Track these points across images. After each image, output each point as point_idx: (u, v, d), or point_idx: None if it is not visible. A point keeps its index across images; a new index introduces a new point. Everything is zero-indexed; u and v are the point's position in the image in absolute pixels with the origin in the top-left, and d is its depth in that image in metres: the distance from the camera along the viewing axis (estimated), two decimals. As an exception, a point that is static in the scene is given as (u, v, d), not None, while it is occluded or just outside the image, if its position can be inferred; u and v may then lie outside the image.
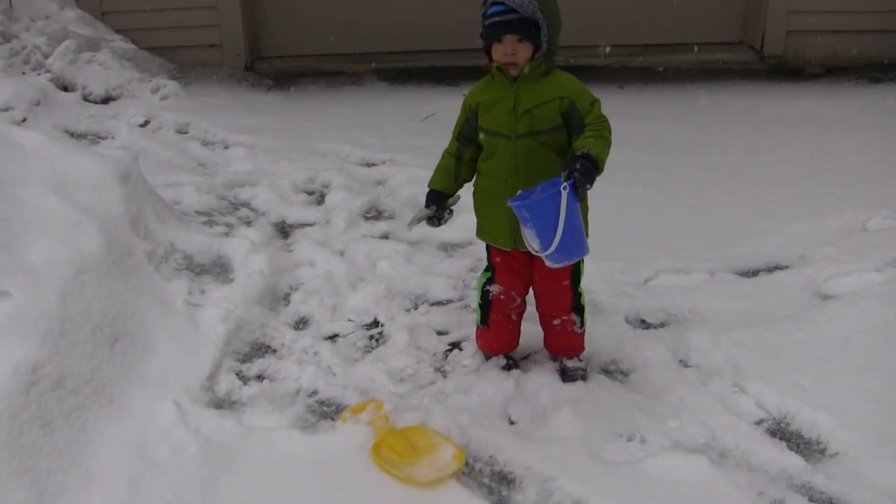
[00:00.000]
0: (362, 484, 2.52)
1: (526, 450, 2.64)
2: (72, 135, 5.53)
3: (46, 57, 6.38)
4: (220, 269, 3.70)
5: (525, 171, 2.70)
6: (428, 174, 2.96)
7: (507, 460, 2.62)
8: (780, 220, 4.19)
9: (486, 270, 3.00)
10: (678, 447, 2.63)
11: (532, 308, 3.05)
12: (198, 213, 4.38)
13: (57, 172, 3.40)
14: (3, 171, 3.24)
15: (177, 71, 6.91)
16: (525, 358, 3.16)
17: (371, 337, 3.39)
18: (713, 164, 5.05)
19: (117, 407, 2.71)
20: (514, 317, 3.03)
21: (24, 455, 2.34)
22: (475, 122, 2.79)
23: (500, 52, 2.66)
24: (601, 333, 3.22)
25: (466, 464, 2.59)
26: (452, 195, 2.93)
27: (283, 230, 4.32)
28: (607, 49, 6.81)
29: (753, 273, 3.76)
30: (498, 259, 2.93)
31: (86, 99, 6.22)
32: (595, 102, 2.66)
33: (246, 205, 4.60)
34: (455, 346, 3.27)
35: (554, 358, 3.09)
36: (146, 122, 5.89)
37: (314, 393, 3.00)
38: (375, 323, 3.47)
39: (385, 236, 4.20)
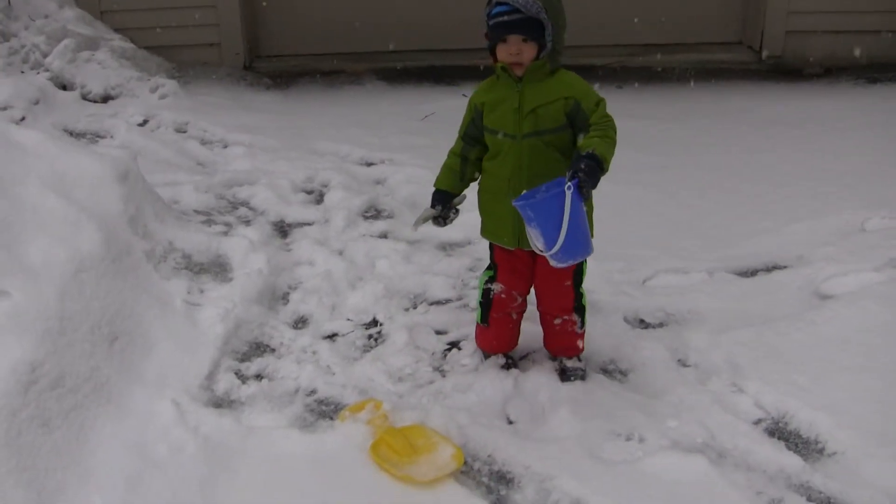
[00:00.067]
0: (361, 483, 2.52)
1: (524, 449, 2.64)
2: (71, 134, 5.53)
3: (45, 56, 6.38)
4: (218, 269, 3.70)
5: (529, 171, 2.70)
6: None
7: (505, 459, 2.62)
8: (780, 220, 4.19)
9: (488, 269, 3.01)
10: (677, 446, 2.63)
11: (531, 307, 3.05)
12: (196, 212, 4.38)
13: (56, 171, 3.39)
14: (3, 169, 3.24)
15: (175, 70, 6.91)
16: (524, 357, 3.16)
17: (370, 336, 3.39)
18: (713, 164, 5.05)
19: (116, 406, 2.71)
20: (514, 316, 3.03)
21: (22, 454, 2.34)
22: (480, 122, 2.79)
23: (504, 52, 2.66)
24: (600, 333, 3.22)
25: (465, 463, 2.59)
26: (458, 195, 2.93)
27: (282, 229, 4.32)
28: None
29: (752, 273, 3.76)
30: (500, 258, 2.94)
31: (85, 98, 6.22)
32: (600, 102, 2.66)
33: (245, 204, 4.60)
34: (454, 345, 3.27)
35: (553, 357, 3.09)
36: (145, 121, 5.89)
37: (313, 392, 3.00)
38: (374, 322, 3.47)
39: (384, 235, 4.20)
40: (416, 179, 4.73)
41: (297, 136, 5.66)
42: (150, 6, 6.89)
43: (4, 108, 5.47)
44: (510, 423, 2.82)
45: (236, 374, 3.09)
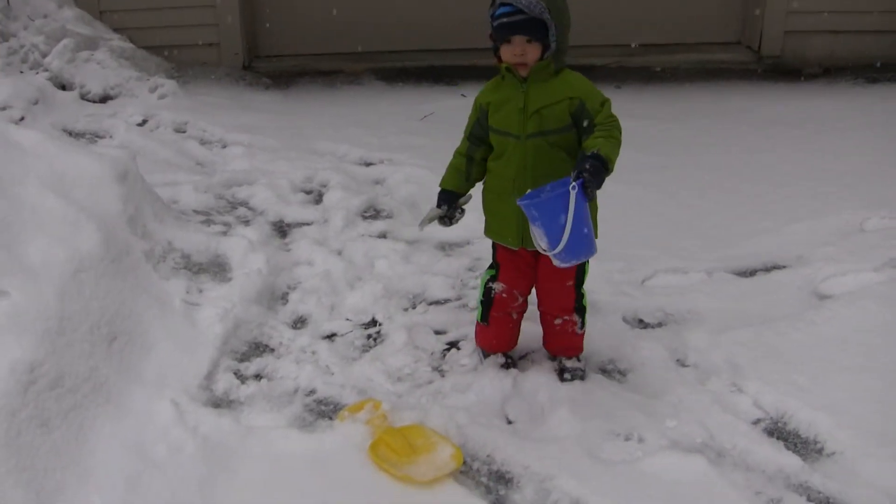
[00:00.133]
0: (360, 483, 2.52)
1: (524, 449, 2.64)
2: (70, 134, 5.53)
3: (44, 56, 6.37)
4: (217, 269, 3.70)
5: (533, 171, 2.70)
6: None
7: (504, 459, 2.62)
8: (780, 220, 4.19)
9: (490, 267, 3.01)
10: (676, 446, 2.63)
11: (531, 307, 3.05)
12: (196, 212, 4.38)
13: (55, 171, 3.39)
14: (2, 169, 3.23)
15: (175, 70, 6.90)
16: (523, 357, 3.16)
17: (369, 336, 3.39)
18: (713, 164, 5.05)
19: (115, 406, 2.71)
20: (514, 315, 3.03)
21: (21, 454, 2.34)
22: (486, 122, 2.80)
23: (508, 53, 2.66)
24: (599, 333, 3.22)
25: (464, 463, 2.59)
26: (464, 195, 2.93)
27: (281, 229, 4.32)
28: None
29: (752, 273, 3.76)
30: (503, 257, 2.94)
31: (84, 98, 6.22)
32: (605, 102, 2.66)
33: (244, 204, 4.60)
34: (453, 345, 3.27)
35: (552, 357, 3.09)
36: (144, 121, 5.89)
37: (312, 392, 3.00)
38: (373, 322, 3.47)
39: (383, 235, 4.20)
40: (415, 179, 4.73)
41: (296, 136, 5.66)
42: (150, 6, 6.88)
43: (3, 108, 5.47)
44: (509, 422, 2.82)
45: (235, 374, 3.09)
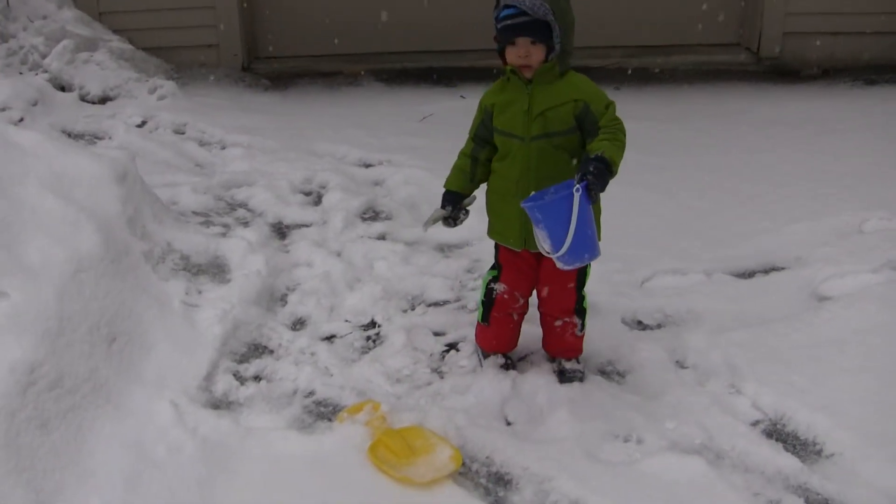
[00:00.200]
0: (359, 484, 2.52)
1: (523, 450, 2.64)
2: (69, 135, 5.53)
3: (44, 57, 6.38)
4: (217, 270, 3.70)
5: (537, 173, 2.71)
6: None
7: (503, 461, 2.62)
8: (779, 221, 4.19)
9: (492, 268, 3.01)
10: (675, 448, 2.64)
11: (532, 308, 3.05)
12: (195, 213, 4.38)
13: (54, 172, 3.39)
14: (1, 170, 3.24)
15: (174, 71, 6.91)
16: (522, 359, 3.16)
17: (368, 338, 3.39)
18: (712, 165, 5.05)
19: (114, 406, 2.71)
20: (515, 316, 3.03)
21: (21, 454, 2.34)
22: (490, 123, 2.80)
23: (513, 55, 2.66)
24: (598, 334, 3.22)
25: (463, 464, 2.59)
26: (468, 195, 2.93)
27: (281, 230, 4.32)
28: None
29: (751, 274, 3.76)
30: (505, 258, 2.94)
31: (83, 99, 6.22)
32: (610, 105, 2.67)
33: (243, 205, 4.60)
34: (452, 346, 3.27)
35: (551, 359, 3.09)
36: (143, 123, 5.89)
37: (311, 393, 3.00)
38: (372, 324, 3.47)
39: (382, 237, 4.20)
40: (414, 181, 4.73)
41: (295, 138, 5.66)
42: (149, 7, 6.88)
43: (3, 109, 5.47)
44: (508, 424, 2.82)
45: (234, 375, 3.09)
